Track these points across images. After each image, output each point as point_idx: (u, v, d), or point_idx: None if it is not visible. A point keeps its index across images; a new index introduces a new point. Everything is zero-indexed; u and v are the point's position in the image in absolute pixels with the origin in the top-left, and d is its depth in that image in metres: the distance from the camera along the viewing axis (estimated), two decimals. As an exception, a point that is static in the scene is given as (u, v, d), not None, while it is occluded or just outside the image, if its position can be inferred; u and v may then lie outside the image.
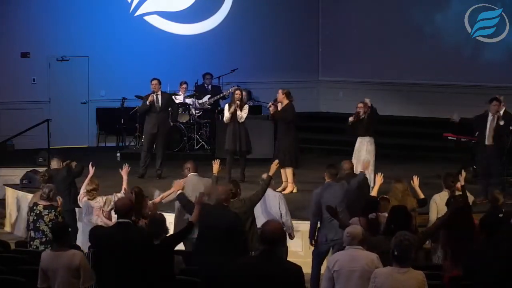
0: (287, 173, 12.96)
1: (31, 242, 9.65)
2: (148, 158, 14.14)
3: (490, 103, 12.54)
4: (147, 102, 13.99)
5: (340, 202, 9.69)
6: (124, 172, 10.02)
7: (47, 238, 9.43)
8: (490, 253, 7.02)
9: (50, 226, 9.42)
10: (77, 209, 11.15)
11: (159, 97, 14.18)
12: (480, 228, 7.39)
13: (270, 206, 9.98)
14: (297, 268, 5.98)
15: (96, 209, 10.09)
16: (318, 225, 9.92)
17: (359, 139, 12.93)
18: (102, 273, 7.22)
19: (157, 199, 9.98)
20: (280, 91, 13.03)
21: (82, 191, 10.27)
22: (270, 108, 13.03)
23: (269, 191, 10.03)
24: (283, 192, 12.66)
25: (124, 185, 9.89)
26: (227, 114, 13.43)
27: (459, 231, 8.59)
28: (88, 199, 10.15)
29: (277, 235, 6.00)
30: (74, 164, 11.32)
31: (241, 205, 9.09)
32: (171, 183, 10.13)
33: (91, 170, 10.37)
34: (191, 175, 10.26)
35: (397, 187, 10.23)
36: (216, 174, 9.62)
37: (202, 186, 9.82)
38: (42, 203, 9.65)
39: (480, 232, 7.40)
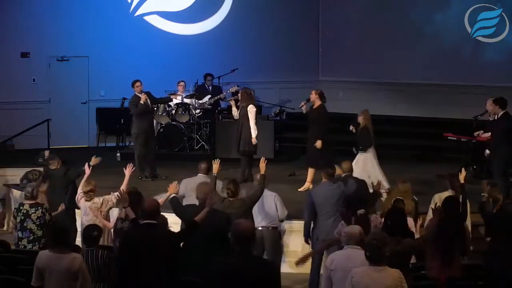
0: (309, 172, 13.01)
1: (19, 242, 9.65)
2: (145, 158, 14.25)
3: None
4: (142, 102, 14.06)
5: (336, 202, 9.71)
6: (128, 171, 10.00)
7: (35, 236, 9.48)
8: (509, 252, 7.07)
9: (37, 223, 9.47)
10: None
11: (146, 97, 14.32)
12: (498, 227, 7.43)
13: (267, 206, 10.05)
14: (274, 266, 6.15)
15: (93, 210, 10.07)
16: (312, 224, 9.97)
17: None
18: (127, 274, 7.16)
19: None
20: (313, 92, 13.06)
21: (79, 191, 10.25)
22: (303, 108, 13.03)
23: (265, 191, 10.06)
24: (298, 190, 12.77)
25: (124, 185, 9.85)
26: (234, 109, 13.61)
27: (449, 233, 8.56)
28: (86, 200, 10.13)
29: (249, 234, 6.04)
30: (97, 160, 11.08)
31: (241, 204, 9.11)
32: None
33: (87, 171, 10.33)
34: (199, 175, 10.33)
35: (399, 188, 10.22)
36: (215, 174, 9.62)
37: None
38: (27, 202, 9.65)
39: (498, 231, 7.43)
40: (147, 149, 14.20)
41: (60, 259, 7.37)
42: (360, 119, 12.77)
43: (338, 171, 10.22)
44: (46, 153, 11.14)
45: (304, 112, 13.19)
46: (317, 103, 12.96)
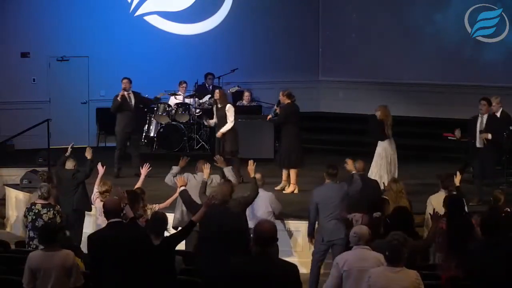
0: (290, 173, 12.92)
1: (30, 242, 9.65)
2: (121, 157, 14.40)
3: None
4: (118, 98, 14.24)
5: (338, 202, 9.69)
6: (144, 171, 10.05)
7: None
8: (490, 253, 7.03)
9: None
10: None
11: (131, 96, 14.46)
12: (481, 229, 7.40)
13: (263, 205, 10.16)
14: (293, 267, 5.97)
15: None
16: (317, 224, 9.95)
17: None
18: (102, 275, 7.19)
19: (161, 205, 10.00)
20: (281, 92, 13.02)
21: (95, 191, 10.25)
22: (277, 110, 13.01)
23: (260, 191, 10.06)
24: (283, 192, 12.72)
25: (139, 184, 9.90)
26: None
27: (457, 233, 8.56)
28: (101, 200, 10.14)
29: (271, 235, 5.95)
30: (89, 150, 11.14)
31: (236, 204, 9.09)
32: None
33: (101, 170, 10.37)
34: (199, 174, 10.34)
35: (392, 188, 10.17)
36: (206, 178, 9.70)
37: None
38: (40, 202, 9.66)
39: (481, 232, 7.41)
40: (126, 148, 14.34)
41: (53, 257, 7.39)
42: (378, 114, 12.73)
43: (350, 167, 10.10)
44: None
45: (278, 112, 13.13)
46: (286, 102, 12.90)
